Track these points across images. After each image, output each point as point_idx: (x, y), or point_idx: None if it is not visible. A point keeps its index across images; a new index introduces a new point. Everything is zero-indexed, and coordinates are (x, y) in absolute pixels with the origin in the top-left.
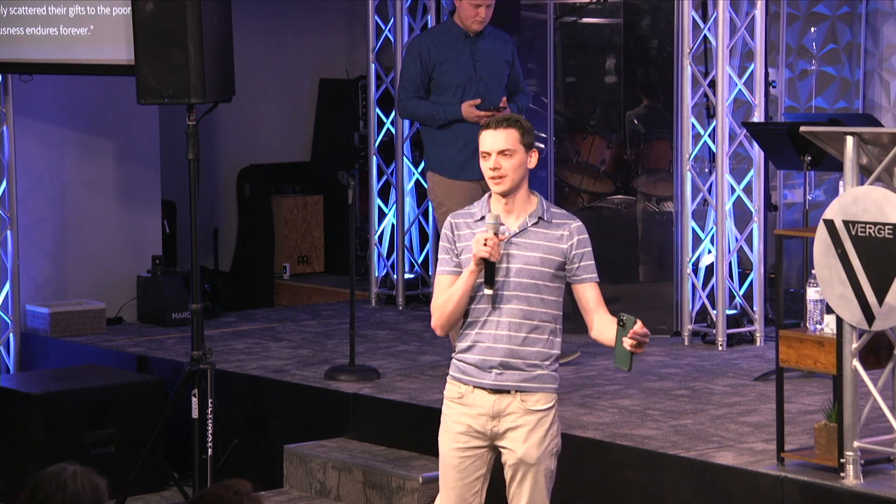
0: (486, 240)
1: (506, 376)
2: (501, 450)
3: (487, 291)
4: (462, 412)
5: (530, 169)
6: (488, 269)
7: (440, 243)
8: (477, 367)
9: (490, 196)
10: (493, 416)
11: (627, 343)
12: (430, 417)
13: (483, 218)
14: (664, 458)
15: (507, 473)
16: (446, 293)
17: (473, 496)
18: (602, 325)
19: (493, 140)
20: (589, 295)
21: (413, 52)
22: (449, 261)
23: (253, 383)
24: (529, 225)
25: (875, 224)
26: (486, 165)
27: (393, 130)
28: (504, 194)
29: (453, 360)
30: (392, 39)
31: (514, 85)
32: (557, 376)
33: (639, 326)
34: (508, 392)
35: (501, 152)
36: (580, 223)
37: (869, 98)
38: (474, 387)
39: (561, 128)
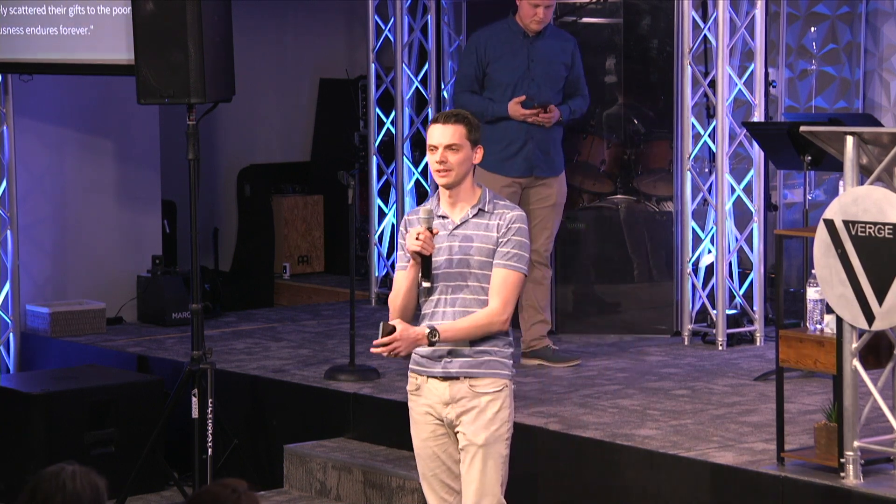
0: (418, 234)
1: (454, 363)
2: (457, 435)
3: (425, 284)
4: (421, 402)
5: (475, 164)
6: (424, 263)
7: (398, 240)
8: (428, 357)
9: (439, 190)
10: (446, 403)
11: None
12: None
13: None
14: (664, 458)
15: (461, 458)
16: (394, 288)
17: (454, 480)
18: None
19: (440, 134)
20: (495, 278)
21: (471, 46)
22: (402, 256)
23: (253, 383)
24: (470, 216)
25: (875, 224)
26: (432, 158)
27: (393, 130)
28: (448, 187)
29: (412, 354)
30: (392, 39)
31: (571, 87)
32: (509, 363)
33: (382, 338)
34: (458, 378)
35: (448, 146)
36: (520, 212)
37: (869, 98)
38: (428, 377)
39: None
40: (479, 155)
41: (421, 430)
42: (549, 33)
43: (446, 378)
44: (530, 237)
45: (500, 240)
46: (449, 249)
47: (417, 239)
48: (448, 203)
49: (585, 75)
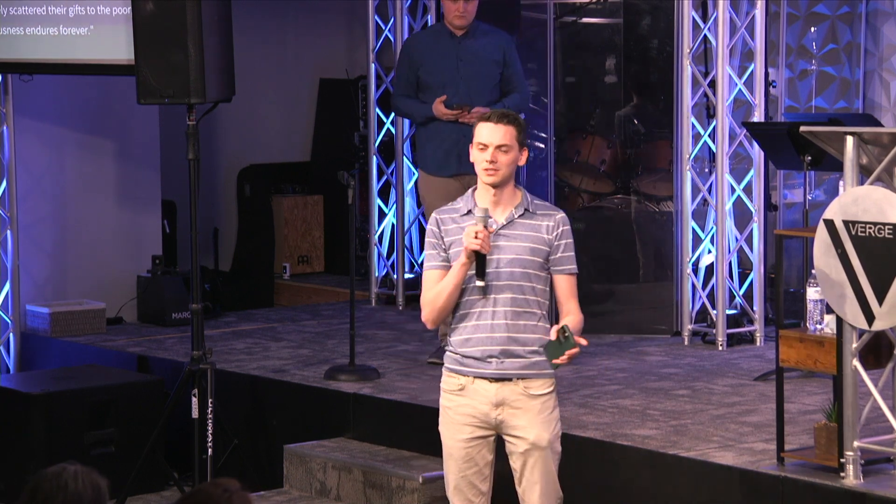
0: (476, 232)
1: (507, 364)
2: (508, 439)
3: (479, 283)
4: (463, 402)
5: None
6: (479, 262)
7: (426, 239)
8: (477, 358)
9: (474, 190)
10: (496, 404)
11: (560, 359)
12: (430, 417)
13: (469, 212)
14: (664, 458)
15: (517, 462)
16: (437, 287)
17: (483, 482)
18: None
19: (491, 133)
20: (563, 285)
21: (403, 52)
22: (436, 255)
23: (253, 383)
24: (516, 217)
25: (875, 224)
26: (481, 157)
27: (393, 130)
28: (494, 186)
29: (448, 353)
30: (392, 39)
31: (506, 84)
32: None
33: (571, 351)
34: (510, 380)
35: (499, 147)
36: (564, 214)
37: (869, 98)
38: (475, 377)
39: (561, 128)
40: (524, 157)
41: (458, 431)
42: (479, 32)
43: (498, 379)
44: None
45: (554, 242)
46: (498, 249)
47: (476, 237)
48: (491, 203)
49: (585, 75)
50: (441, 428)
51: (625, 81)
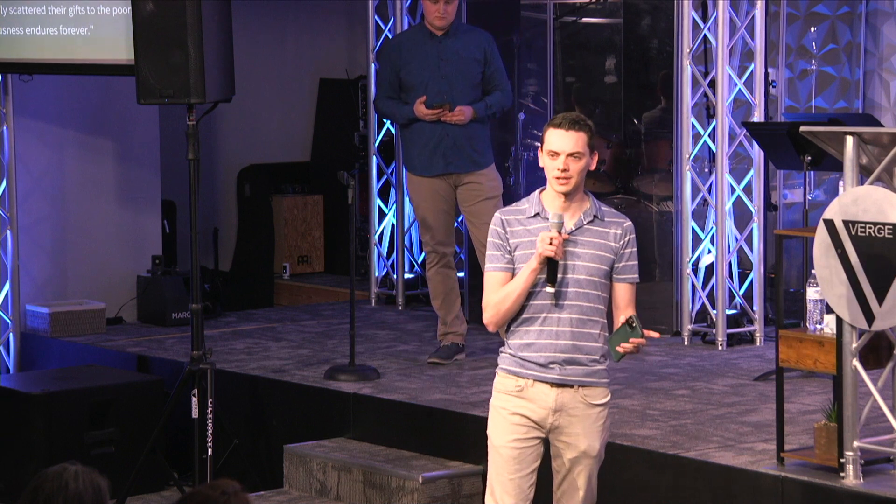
0: (551, 238)
1: (569, 371)
2: (558, 443)
3: (550, 290)
4: (520, 404)
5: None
6: (551, 268)
7: (489, 239)
8: (539, 362)
9: (542, 192)
10: (555, 409)
11: (625, 345)
12: (430, 417)
13: (536, 215)
14: (664, 458)
15: (563, 467)
16: (503, 290)
17: (530, 487)
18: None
19: (562, 141)
20: (624, 293)
21: (384, 53)
22: (501, 257)
23: (253, 383)
24: (585, 223)
25: (875, 224)
26: (552, 164)
27: (393, 130)
28: (566, 194)
29: (506, 355)
30: None
31: (488, 82)
32: (610, 372)
33: (638, 340)
34: (571, 387)
35: (571, 154)
36: (630, 223)
37: (869, 98)
38: (535, 381)
39: None
40: (595, 161)
41: (511, 431)
42: (460, 31)
43: (559, 385)
44: (476, 235)
45: (620, 251)
46: (566, 255)
47: (551, 244)
48: (561, 208)
49: (585, 75)
50: (491, 430)
51: (625, 81)
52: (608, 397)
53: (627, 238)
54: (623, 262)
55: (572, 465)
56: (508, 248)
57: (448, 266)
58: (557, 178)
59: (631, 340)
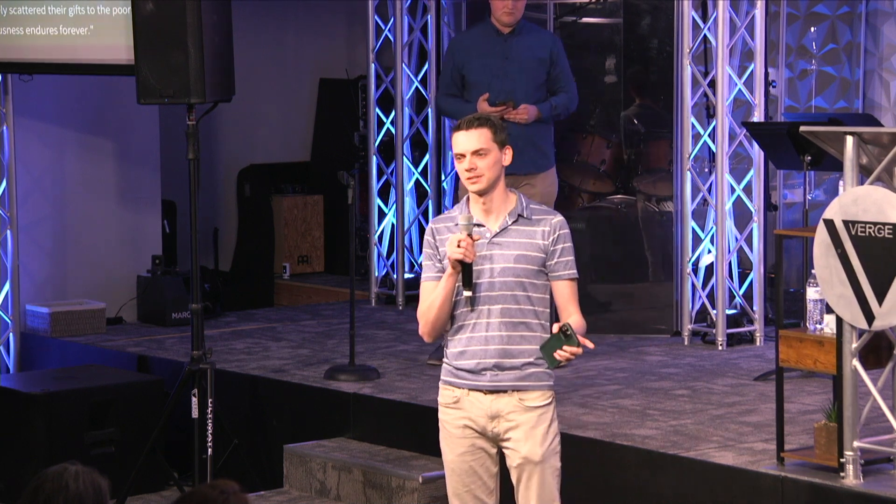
0: (459, 241)
1: (501, 376)
2: (505, 451)
3: (466, 293)
4: (460, 416)
5: (505, 166)
6: (465, 271)
7: (424, 249)
8: (471, 370)
9: (468, 198)
10: (491, 416)
11: (561, 353)
12: (430, 417)
13: None
14: (664, 458)
15: (514, 476)
16: (428, 299)
17: (489, 496)
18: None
19: (465, 141)
20: (563, 291)
21: (449, 51)
22: (432, 266)
23: (253, 383)
24: (510, 223)
25: (875, 224)
26: (461, 167)
27: (393, 130)
28: (481, 193)
29: (444, 366)
30: (392, 39)
31: (554, 84)
32: (552, 373)
33: (573, 349)
34: (505, 392)
35: (475, 152)
36: (561, 218)
37: (869, 98)
38: (469, 389)
39: (561, 128)
40: (508, 156)
41: (457, 445)
42: (526, 31)
43: (493, 391)
44: None
45: (550, 248)
46: (490, 258)
47: (459, 246)
48: (482, 210)
49: (585, 75)
50: (441, 443)
51: (625, 81)
52: (549, 400)
53: (557, 234)
54: (555, 260)
55: (520, 473)
56: (439, 257)
57: None
58: (469, 178)
59: (566, 348)
